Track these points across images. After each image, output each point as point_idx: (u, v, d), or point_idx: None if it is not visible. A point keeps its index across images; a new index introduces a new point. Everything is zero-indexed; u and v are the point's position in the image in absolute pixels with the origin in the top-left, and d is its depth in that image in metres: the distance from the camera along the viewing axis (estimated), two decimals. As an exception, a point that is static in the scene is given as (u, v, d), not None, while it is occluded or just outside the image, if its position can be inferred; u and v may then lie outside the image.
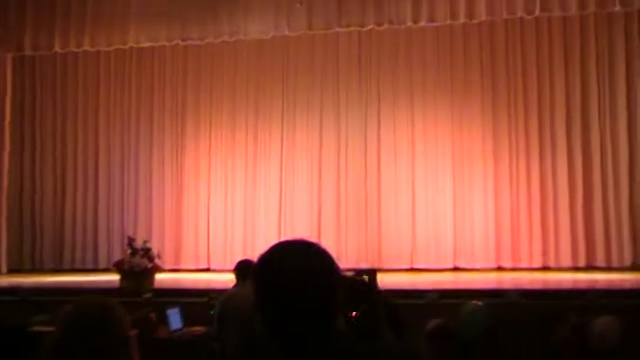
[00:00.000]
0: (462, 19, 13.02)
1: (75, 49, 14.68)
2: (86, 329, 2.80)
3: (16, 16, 14.47)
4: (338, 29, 13.73)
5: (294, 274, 2.00)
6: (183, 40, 14.17)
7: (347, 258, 13.71)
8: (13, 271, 15.09)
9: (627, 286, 10.99)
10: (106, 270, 14.11)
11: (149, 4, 13.97)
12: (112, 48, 14.71)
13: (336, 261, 2.12)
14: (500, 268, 13.99)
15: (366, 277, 3.66)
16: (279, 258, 2.06)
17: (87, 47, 14.49)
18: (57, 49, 14.48)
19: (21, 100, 16.01)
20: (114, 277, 11.96)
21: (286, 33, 13.71)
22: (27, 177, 16.06)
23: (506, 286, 11.60)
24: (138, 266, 11.65)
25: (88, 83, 16.10)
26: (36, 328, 4.76)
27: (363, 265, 12.78)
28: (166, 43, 14.57)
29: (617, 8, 12.49)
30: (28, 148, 16.11)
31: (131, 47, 14.81)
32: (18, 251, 15.70)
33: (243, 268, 7.61)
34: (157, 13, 13.83)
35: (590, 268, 13.53)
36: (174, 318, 9.27)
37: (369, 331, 3.40)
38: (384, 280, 8.70)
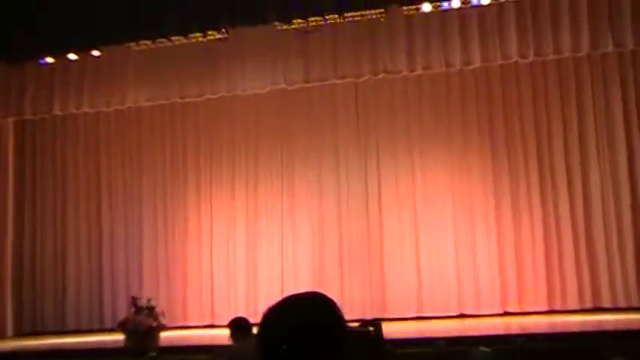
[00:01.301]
0: (458, 66, 13.09)
1: (74, 111, 14.77)
2: None
3: (16, 81, 14.55)
4: (334, 81, 13.76)
5: (299, 328, 1.98)
6: (181, 98, 14.25)
7: (352, 308, 13.56)
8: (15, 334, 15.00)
9: (636, 326, 10.91)
10: (111, 330, 14.00)
11: (147, 64, 14.06)
12: (111, 109, 14.79)
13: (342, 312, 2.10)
14: (506, 313, 13.89)
15: (371, 329, 3.62)
16: (286, 311, 2.04)
17: (86, 109, 14.58)
18: (57, 111, 14.56)
19: (22, 162, 16.06)
20: (120, 337, 11.90)
21: (283, 86, 13.77)
22: (27, 238, 16.03)
23: (514, 331, 11.49)
24: (142, 325, 11.59)
25: (88, 144, 16.17)
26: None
27: (368, 316, 12.69)
28: (165, 102, 14.65)
29: (610, 49, 12.56)
30: (29, 209, 16.11)
31: (129, 107, 14.89)
32: (18, 313, 15.58)
33: (238, 326, 7.62)
34: (155, 73, 13.91)
35: (597, 309, 13.44)
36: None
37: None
38: (391, 329, 8.65)
